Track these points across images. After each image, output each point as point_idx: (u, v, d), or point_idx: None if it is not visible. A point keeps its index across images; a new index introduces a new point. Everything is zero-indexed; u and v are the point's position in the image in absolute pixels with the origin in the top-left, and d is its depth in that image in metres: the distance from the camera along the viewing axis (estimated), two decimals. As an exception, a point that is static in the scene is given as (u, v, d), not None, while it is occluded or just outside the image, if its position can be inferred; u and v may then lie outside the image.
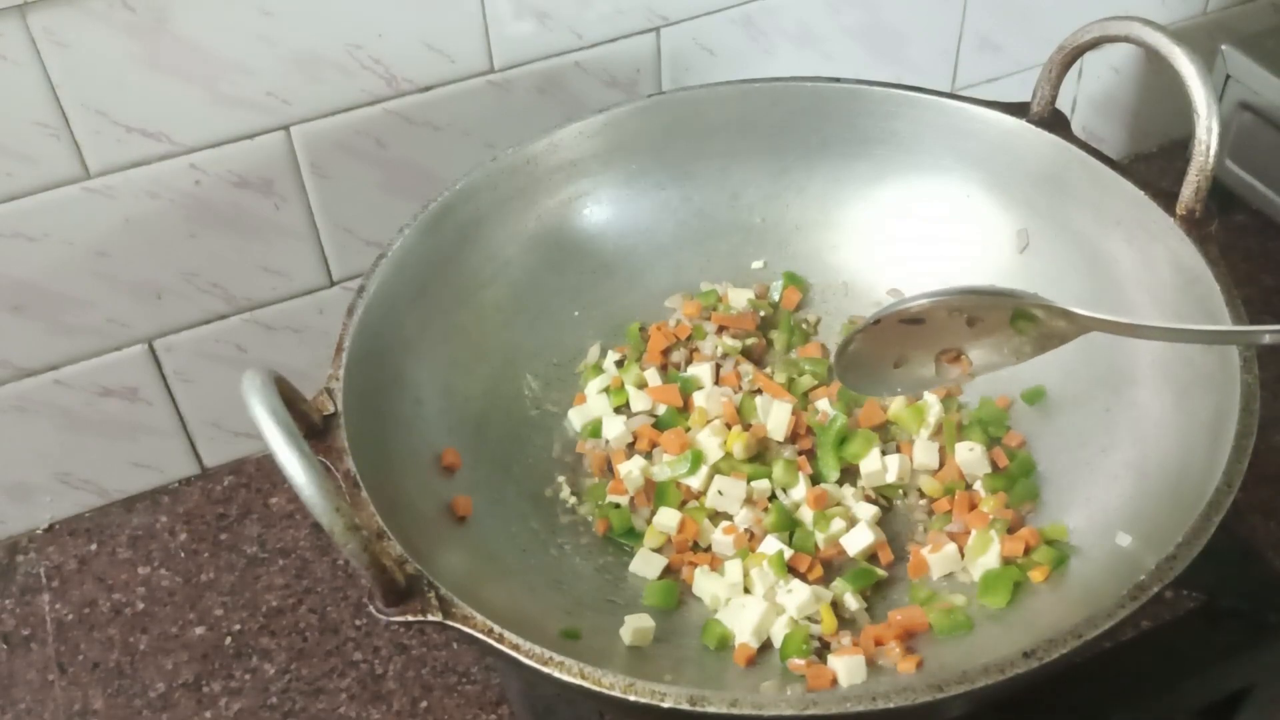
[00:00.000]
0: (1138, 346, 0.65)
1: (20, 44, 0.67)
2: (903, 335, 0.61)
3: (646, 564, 0.65)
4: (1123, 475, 0.63)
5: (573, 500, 0.69)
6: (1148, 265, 0.66)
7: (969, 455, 0.67)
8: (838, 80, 0.75)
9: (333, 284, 0.84)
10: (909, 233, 0.76)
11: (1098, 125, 1.08)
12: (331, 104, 0.77)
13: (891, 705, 0.47)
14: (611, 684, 0.47)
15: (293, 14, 0.72)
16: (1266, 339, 0.54)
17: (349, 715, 0.73)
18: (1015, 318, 0.60)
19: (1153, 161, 1.10)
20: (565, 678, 0.48)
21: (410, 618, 0.49)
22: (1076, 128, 1.05)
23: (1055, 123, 0.71)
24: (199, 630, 0.78)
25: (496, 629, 0.49)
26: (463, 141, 0.81)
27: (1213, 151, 0.63)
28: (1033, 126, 0.71)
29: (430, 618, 0.49)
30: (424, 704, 0.73)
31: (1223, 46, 0.96)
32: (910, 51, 0.94)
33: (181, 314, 0.80)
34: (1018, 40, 0.72)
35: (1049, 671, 0.48)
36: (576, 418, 0.72)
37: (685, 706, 0.46)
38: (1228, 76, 0.96)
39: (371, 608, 0.49)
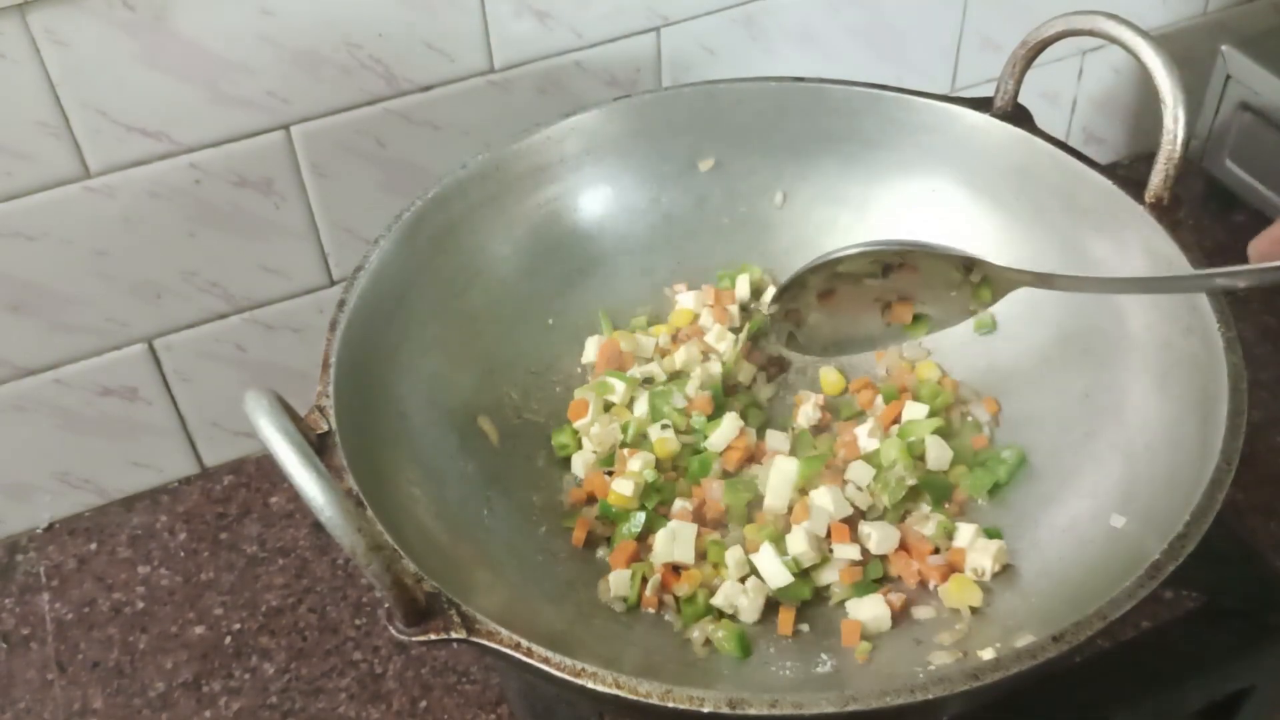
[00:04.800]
0: (1112, 331, 0.66)
1: (20, 43, 0.67)
2: (847, 296, 0.64)
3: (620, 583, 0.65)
4: (1109, 458, 0.63)
5: (560, 508, 0.69)
6: (1120, 252, 0.66)
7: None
8: (800, 79, 0.75)
9: (333, 283, 0.84)
10: (878, 228, 0.76)
11: (1098, 125, 1.08)
12: (331, 103, 0.77)
13: (930, 696, 0.47)
14: (649, 692, 0.47)
15: (293, 13, 0.72)
16: (1219, 282, 0.55)
17: (348, 715, 0.73)
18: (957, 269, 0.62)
19: (1153, 161, 1.10)
20: (600, 689, 0.48)
21: (434, 637, 0.48)
22: (1076, 128, 1.07)
23: (1019, 117, 0.72)
24: (198, 630, 0.78)
25: (524, 643, 0.49)
26: (463, 141, 0.81)
27: (1179, 140, 0.64)
28: (997, 121, 0.71)
29: (454, 635, 0.48)
30: (423, 704, 0.73)
31: (1223, 46, 0.96)
32: (911, 51, 0.94)
33: (181, 313, 0.80)
34: (1019, 40, 0.72)
35: (1067, 661, 0.49)
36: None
37: (725, 710, 0.46)
38: (1228, 76, 0.96)
39: (392, 629, 0.48)
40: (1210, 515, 0.52)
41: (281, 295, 0.83)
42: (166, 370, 0.82)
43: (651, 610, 0.64)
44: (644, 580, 0.64)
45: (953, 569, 0.63)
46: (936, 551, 0.64)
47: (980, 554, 0.63)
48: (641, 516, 0.66)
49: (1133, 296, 0.65)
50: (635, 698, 0.47)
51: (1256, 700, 0.69)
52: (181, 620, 0.78)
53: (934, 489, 0.67)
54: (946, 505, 0.67)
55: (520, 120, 0.74)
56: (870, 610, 0.62)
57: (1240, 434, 0.55)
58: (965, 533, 0.64)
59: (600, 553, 0.67)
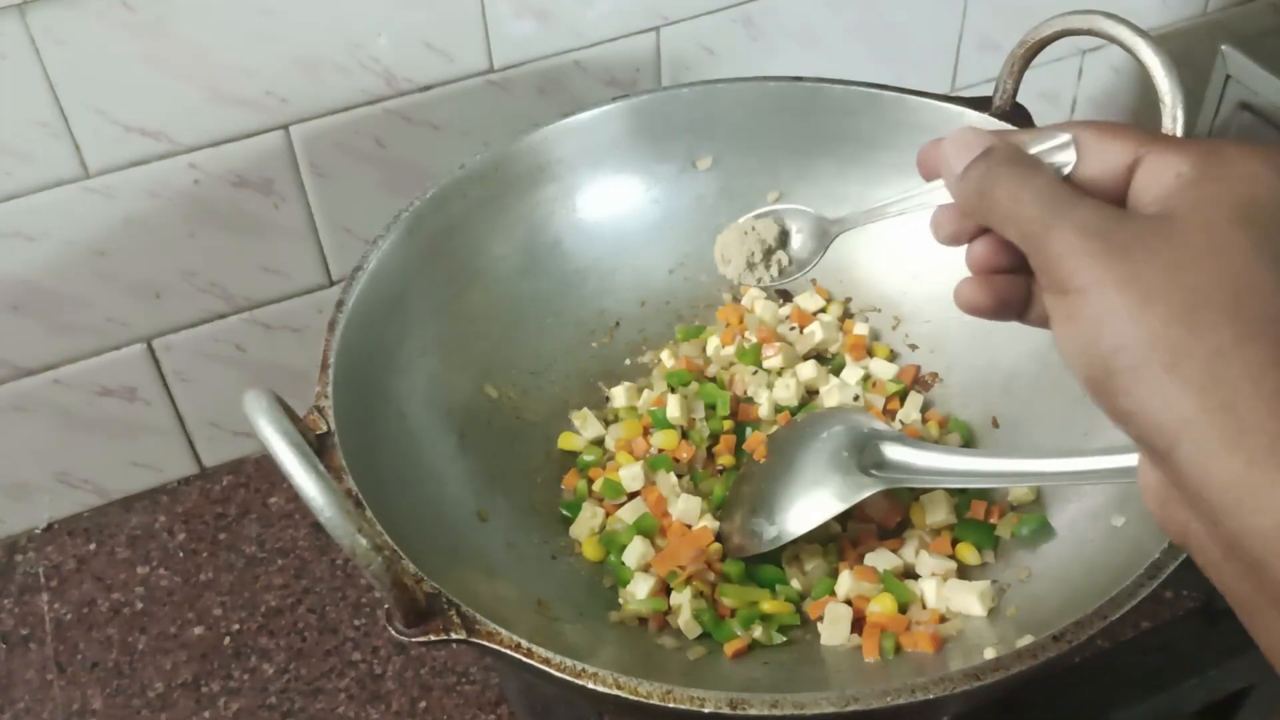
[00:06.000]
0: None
1: (20, 43, 0.67)
2: None
3: (638, 587, 0.64)
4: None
5: (561, 511, 0.69)
6: None
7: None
8: (799, 79, 0.75)
9: (332, 283, 0.84)
10: (875, 228, 0.76)
11: (1097, 125, 1.08)
12: (331, 103, 0.77)
13: (930, 696, 0.47)
14: (649, 692, 0.47)
15: (292, 13, 0.72)
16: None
17: (348, 715, 0.72)
18: None
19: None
20: (600, 689, 0.48)
21: (434, 637, 0.48)
22: (1076, 128, 1.07)
23: (1018, 116, 0.71)
24: (198, 630, 0.78)
25: (524, 644, 0.49)
26: (462, 141, 0.81)
27: None
28: (996, 120, 0.71)
29: (454, 636, 0.48)
30: (423, 704, 0.73)
31: (1223, 46, 0.96)
32: (911, 51, 0.94)
33: (180, 313, 0.80)
34: (1018, 40, 0.72)
35: (1067, 661, 0.49)
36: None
37: (725, 710, 0.46)
38: (1228, 76, 0.96)
39: (392, 630, 0.48)
40: (1211, 514, 0.52)
41: (281, 295, 0.83)
42: (166, 370, 0.82)
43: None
44: (667, 591, 0.63)
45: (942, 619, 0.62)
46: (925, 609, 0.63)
47: (965, 595, 0.61)
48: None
49: None
50: (635, 698, 0.47)
51: (1256, 700, 0.69)
52: (181, 620, 0.78)
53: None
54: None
55: (520, 120, 0.74)
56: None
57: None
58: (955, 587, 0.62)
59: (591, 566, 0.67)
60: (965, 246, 0.43)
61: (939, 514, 0.65)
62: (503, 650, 0.49)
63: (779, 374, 0.73)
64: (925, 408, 0.73)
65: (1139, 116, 1.08)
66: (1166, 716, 0.66)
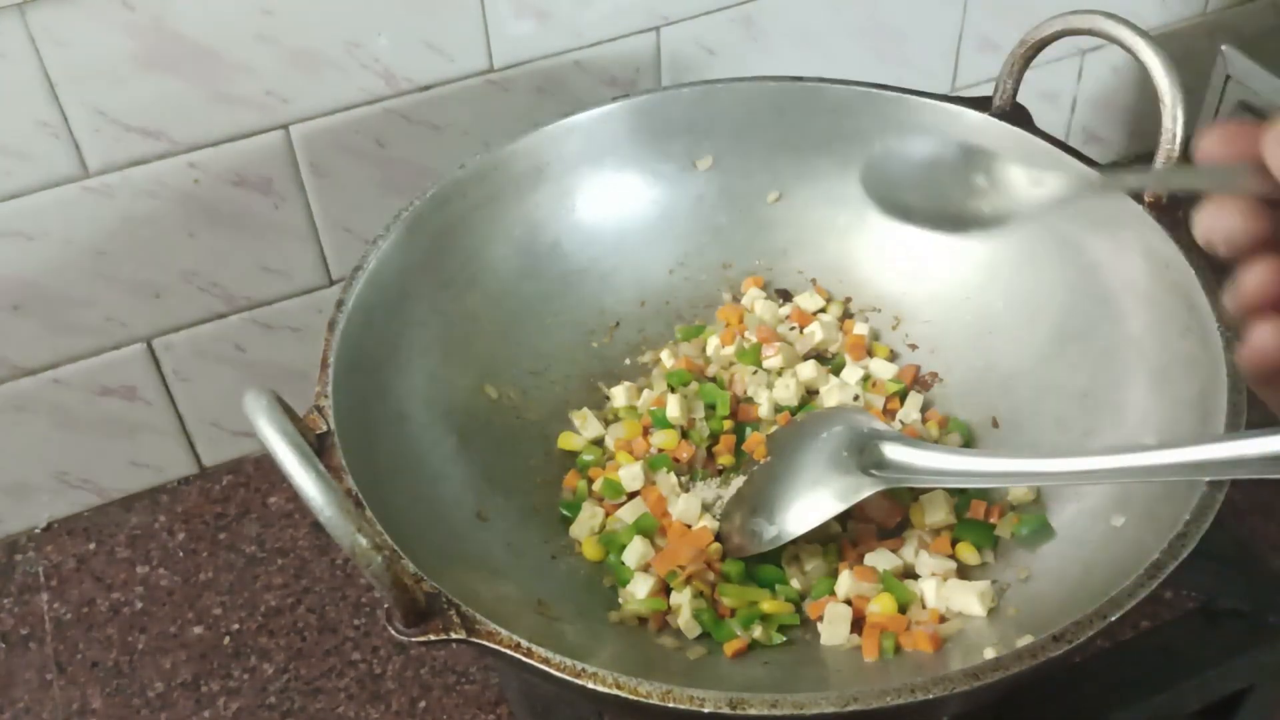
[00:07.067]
0: (1111, 331, 0.66)
1: (19, 42, 0.67)
2: None
3: (638, 586, 0.64)
4: None
5: (561, 511, 0.69)
6: (1118, 252, 0.66)
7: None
8: (799, 79, 0.75)
9: (332, 283, 0.84)
10: (876, 227, 0.76)
11: (1098, 125, 1.08)
12: (331, 103, 0.77)
13: (930, 696, 0.47)
14: (649, 692, 0.47)
15: (292, 13, 0.72)
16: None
17: (347, 715, 0.72)
18: None
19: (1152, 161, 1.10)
20: (600, 689, 0.47)
21: (433, 637, 0.48)
22: (1076, 128, 1.07)
23: (1018, 116, 0.71)
24: (197, 630, 0.78)
25: (524, 644, 0.49)
26: (462, 141, 0.81)
27: (1178, 139, 0.64)
28: (995, 120, 0.71)
29: (454, 635, 0.48)
30: (422, 704, 0.73)
31: (1223, 46, 0.96)
32: (911, 51, 0.94)
33: (180, 313, 0.80)
34: (1018, 40, 0.73)
35: (1067, 661, 0.48)
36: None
37: (725, 710, 0.46)
38: (1228, 76, 0.96)
39: (392, 629, 0.48)
40: (1210, 514, 0.52)
41: (281, 295, 0.83)
42: (166, 370, 0.82)
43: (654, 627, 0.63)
44: (667, 591, 0.63)
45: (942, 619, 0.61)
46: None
47: (965, 595, 0.61)
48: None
49: (1132, 295, 0.65)
50: (635, 698, 0.47)
51: (1256, 700, 0.69)
52: (180, 620, 0.78)
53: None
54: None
55: (519, 120, 0.74)
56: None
57: (1241, 433, 0.55)
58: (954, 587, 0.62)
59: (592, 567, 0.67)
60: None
61: (939, 514, 0.65)
62: (503, 650, 0.49)
63: (779, 374, 0.73)
64: (925, 408, 0.73)
65: (1139, 116, 1.08)
66: (1166, 716, 0.66)
